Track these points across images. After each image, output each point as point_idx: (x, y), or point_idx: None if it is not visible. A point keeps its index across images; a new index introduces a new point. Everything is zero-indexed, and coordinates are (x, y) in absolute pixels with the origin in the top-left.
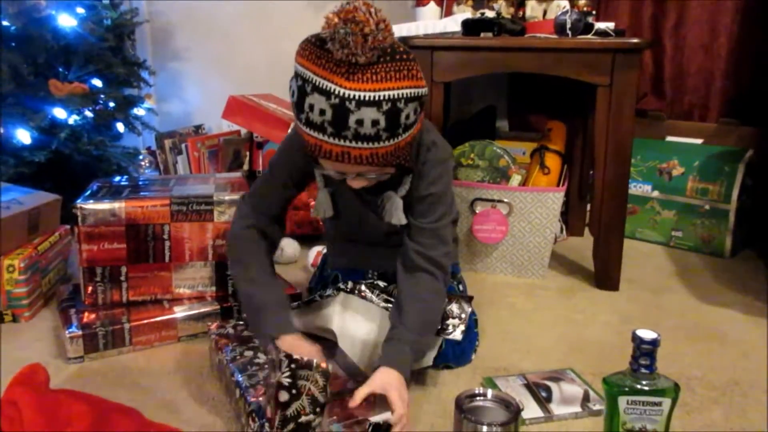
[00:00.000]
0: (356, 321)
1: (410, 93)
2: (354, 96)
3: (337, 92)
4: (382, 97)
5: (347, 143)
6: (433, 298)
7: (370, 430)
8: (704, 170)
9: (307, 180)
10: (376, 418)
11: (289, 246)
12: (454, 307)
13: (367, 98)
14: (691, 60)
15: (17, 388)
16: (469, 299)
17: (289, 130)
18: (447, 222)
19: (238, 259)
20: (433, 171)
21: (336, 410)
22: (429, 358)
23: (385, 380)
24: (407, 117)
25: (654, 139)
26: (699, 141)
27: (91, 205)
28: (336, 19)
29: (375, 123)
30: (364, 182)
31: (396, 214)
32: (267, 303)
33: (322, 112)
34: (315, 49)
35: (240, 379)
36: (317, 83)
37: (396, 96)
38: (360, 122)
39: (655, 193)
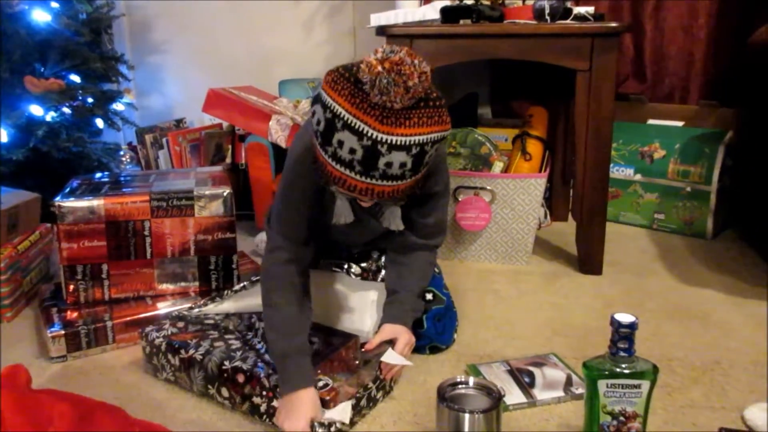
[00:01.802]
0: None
1: (438, 137)
2: (386, 140)
3: (370, 134)
4: (412, 142)
5: (373, 181)
6: (429, 268)
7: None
8: (685, 152)
9: (323, 194)
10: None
11: None
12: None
13: (398, 143)
14: (671, 42)
15: None
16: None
17: (294, 148)
18: (445, 213)
19: (269, 300)
20: (438, 168)
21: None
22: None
23: (395, 330)
24: (430, 156)
25: (635, 123)
26: (680, 123)
27: (70, 203)
28: (380, 67)
29: (402, 165)
30: (370, 203)
31: (395, 221)
32: (285, 353)
33: (352, 151)
34: (349, 85)
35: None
36: (349, 121)
37: (425, 140)
38: (389, 164)
39: (638, 177)
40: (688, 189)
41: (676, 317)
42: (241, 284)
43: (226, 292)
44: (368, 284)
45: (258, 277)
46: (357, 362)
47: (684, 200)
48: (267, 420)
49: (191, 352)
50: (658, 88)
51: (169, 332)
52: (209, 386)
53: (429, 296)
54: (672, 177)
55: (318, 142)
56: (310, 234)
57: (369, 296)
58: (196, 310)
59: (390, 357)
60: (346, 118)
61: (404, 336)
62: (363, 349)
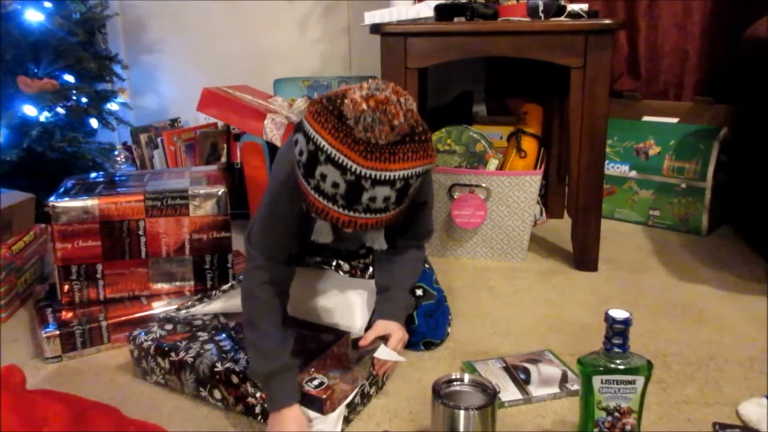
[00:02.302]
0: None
1: (422, 170)
2: (371, 175)
3: (353, 169)
4: (397, 177)
5: (356, 215)
6: (418, 263)
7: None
8: (680, 149)
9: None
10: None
11: None
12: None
13: (383, 178)
14: (666, 39)
15: None
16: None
17: (277, 170)
18: (431, 218)
19: (250, 321)
20: (425, 178)
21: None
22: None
23: (387, 327)
24: (415, 188)
25: (630, 120)
26: (674, 120)
27: (64, 203)
28: (364, 105)
29: (386, 199)
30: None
31: (378, 241)
32: (270, 374)
33: (335, 185)
34: (333, 119)
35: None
36: (333, 156)
37: (410, 174)
38: (373, 199)
39: (633, 173)
40: (683, 185)
41: (671, 313)
42: (229, 284)
43: (214, 292)
44: (357, 281)
45: (234, 283)
46: (350, 359)
47: (679, 196)
48: (262, 420)
49: (181, 354)
50: (652, 84)
51: (158, 335)
52: (201, 388)
53: (419, 292)
54: (667, 173)
55: (300, 173)
56: (292, 251)
57: (359, 293)
58: (184, 311)
59: (383, 353)
60: (329, 152)
61: (397, 332)
62: (357, 345)
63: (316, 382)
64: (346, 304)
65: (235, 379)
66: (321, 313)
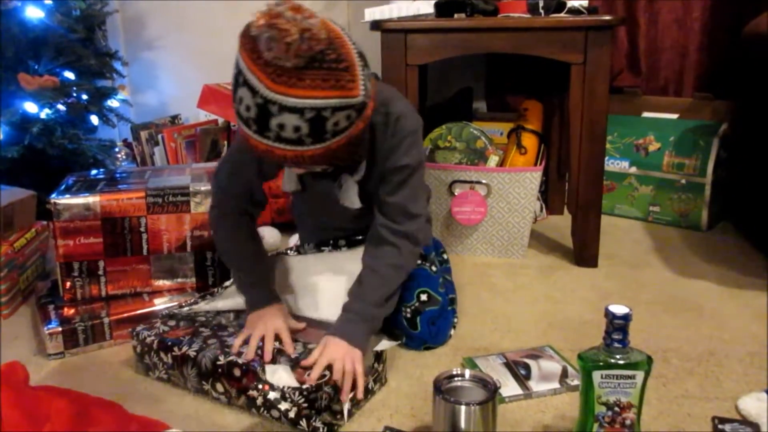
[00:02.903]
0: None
1: (338, 103)
2: (277, 100)
3: (262, 92)
4: (305, 105)
5: (270, 143)
6: (391, 273)
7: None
8: (680, 145)
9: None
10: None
11: (270, 235)
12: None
13: (289, 105)
14: (666, 35)
15: None
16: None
17: None
18: (421, 195)
19: (224, 249)
20: (404, 142)
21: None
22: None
23: (331, 354)
24: (336, 124)
25: (630, 116)
26: (674, 116)
27: (65, 200)
28: (261, 21)
29: (297, 129)
30: (302, 170)
31: (349, 197)
32: (252, 283)
33: (248, 108)
34: (251, 41)
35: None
36: (247, 78)
37: (321, 105)
38: (281, 126)
39: (633, 169)
40: (683, 181)
41: (671, 309)
42: (230, 280)
43: (216, 289)
44: (346, 259)
45: None
46: None
47: (679, 192)
48: (264, 412)
49: (184, 349)
50: (652, 80)
51: (161, 330)
52: (203, 382)
53: (424, 297)
54: (667, 169)
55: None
56: (259, 195)
57: (329, 278)
58: (186, 308)
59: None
60: (245, 74)
61: (339, 362)
62: (305, 378)
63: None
64: (311, 290)
65: (237, 372)
66: (292, 304)
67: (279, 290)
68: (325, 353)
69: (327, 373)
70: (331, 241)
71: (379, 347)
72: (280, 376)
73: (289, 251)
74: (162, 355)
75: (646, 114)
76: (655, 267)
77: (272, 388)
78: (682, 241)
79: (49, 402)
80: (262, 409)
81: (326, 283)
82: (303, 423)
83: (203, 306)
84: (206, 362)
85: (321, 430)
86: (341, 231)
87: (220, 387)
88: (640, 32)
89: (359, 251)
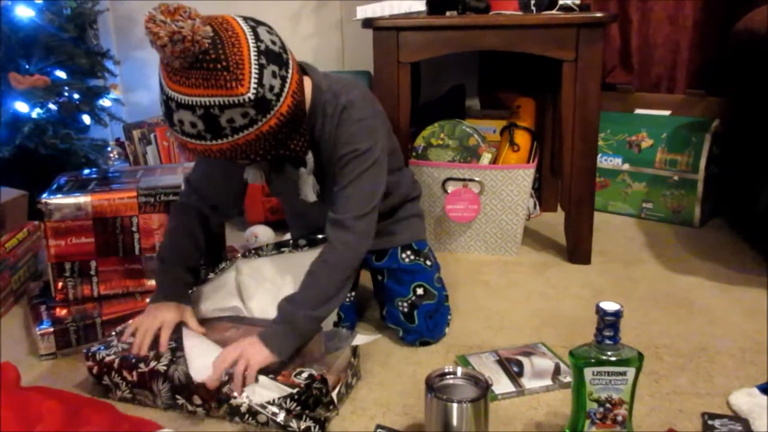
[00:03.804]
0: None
1: (222, 101)
2: (173, 97)
3: (164, 89)
4: (194, 103)
5: (180, 136)
6: (323, 272)
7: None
8: (672, 141)
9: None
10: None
11: (263, 233)
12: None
13: (182, 101)
14: (658, 32)
15: None
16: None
17: None
18: (364, 183)
19: (166, 234)
20: (349, 129)
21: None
22: (329, 323)
23: (230, 352)
24: (231, 121)
25: (623, 112)
26: (667, 113)
27: (56, 200)
28: (144, 24)
29: (193, 125)
30: (244, 162)
31: (304, 190)
32: (160, 273)
33: (161, 103)
34: None
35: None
36: (159, 75)
37: (207, 103)
38: (181, 122)
39: (626, 166)
40: (676, 178)
41: (663, 305)
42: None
43: None
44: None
45: (210, 276)
46: (324, 353)
47: (672, 189)
48: (249, 419)
49: (152, 364)
50: (645, 77)
51: (120, 348)
52: (177, 396)
53: (420, 291)
54: (659, 166)
55: None
56: (225, 195)
57: (252, 276)
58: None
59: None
60: (159, 71)
61: (241, 362)
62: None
63: (305, 375)
64: (258, 292)
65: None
66: (242, 307)
67: (230, 294)
68: (226, 351)
69: (313, 372)
70: (291, 242)
71: (355, 342)
72: (261, 393)
73: (247, 253)
74: (125, 373)
75: (638, 111)
76: (647, 263)
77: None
78: (675, 238)
79: (40, 403)
80: (246, 416)
81: (271, 285)
82: (293, 424)
83: None
84: (179, 375)
85: (312, 429)
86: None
87: (197, 399)
88: (632, 29)
89: (317, 251)
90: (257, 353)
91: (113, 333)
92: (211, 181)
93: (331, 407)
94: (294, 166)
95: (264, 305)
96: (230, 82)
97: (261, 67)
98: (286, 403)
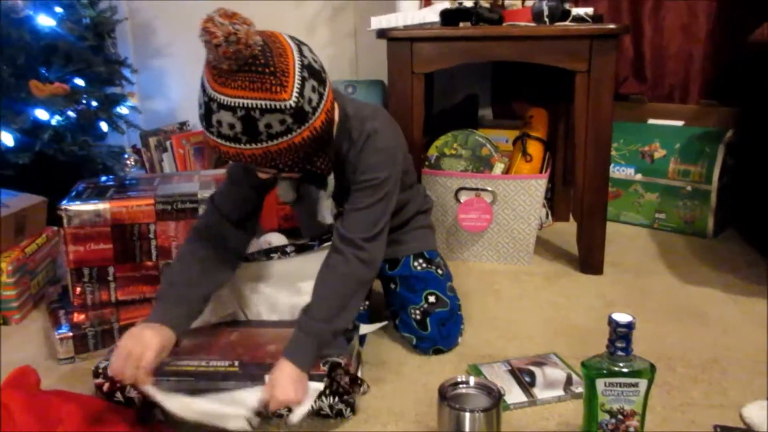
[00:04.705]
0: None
1: (265, 105)
2: (216, 98)
3: (207, 90)
4: (236, 104)
5: (215, 138)
6: (336, 283)
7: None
8: (685, 152)
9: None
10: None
11: (277, 240)
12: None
13: (224, 102)
14: (671, 42)
15: (8, 391)
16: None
17: None
18: (377, 209)
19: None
20: (371, 158)
21: None
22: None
23: (273, 377)
24: (268, 126)
25: (636, 123)
26: (680, 123)
27: (76, 207)
28: (200, 25)
29: (231, 126)
30: (265, 175)
31: (322, 212)
32: (160, 294)
33: (200, 105)
34: None
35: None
36: (202, 78)
37: (249, 105)
38: (220, 123)
39: (638, 176)
40: (689, 188)
41: (676, 316)
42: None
43: None
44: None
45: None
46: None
47: (685, 199)
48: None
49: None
50: (658, 87)
51: None
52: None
53: (432, 299)
54: (672, 176)
55: None
56: (245, 211)
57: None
58: None
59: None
60: (203, 74)
61: (277, 388)
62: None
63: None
64: (223, 293)
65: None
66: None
67: (227, 301)
68: (274, 393)
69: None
70: (279, 248)
71: (362, 330)
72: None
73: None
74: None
75: (651, 121)
76: (660, 274)
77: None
78: (688, 248)
79: (60, 406)
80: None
81: (266, 292)
82: (326, 408)
83: None
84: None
85: (344, 411)
86: None
87: None
88: (645, 39)
89: (305, 257)
90: (298, 383)
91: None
92: (239, 198)
93: (360, 382)
94: (316, 186)
95: (261, 312)
96: (275, 86)
97: (303, 80)
98: (320, 399)
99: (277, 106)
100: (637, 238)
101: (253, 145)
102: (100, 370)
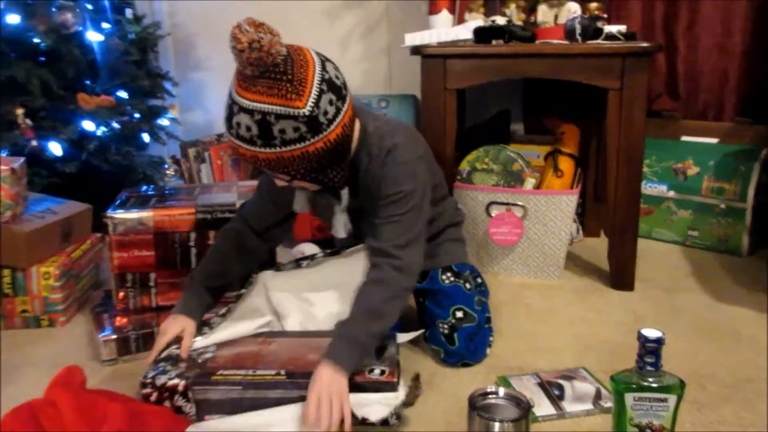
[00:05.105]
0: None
1: (280, 111)
2: (237, 101)
3: (231, 94)
4: (254, 108)
5: (234, 139)
6: (372, 290)
7: None
8: (720, 169)
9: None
10: None
11: (310, 251)
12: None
13: (243, 105)
14: (705, 59)
15: (56, 390)
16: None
17: None
18: (407, 220)
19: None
20: (394, 171)
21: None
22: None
23: (314, 379)
24: (282, 132)
25: (669, 140)
26: (714, 140)
27: (121, 215)
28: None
29: (248, 129)
30: (281, 182)
31: (336, 226)
32: (191, 283)
33: (225, 108)
34: None
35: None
36: (231, 81)
37: (265, 110)
38: (239, 125)
39: (671, 193)
40: (723, 206)
41: (708, 334)
42: (226, 308)
43: (212, 320)
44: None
45: (242, 291)
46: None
47: (718, 217)
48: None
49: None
50: (691, 104)
51: (173, 373)
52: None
53: (459, 314)
54: (706, 194)
55: None
56: (272, 223)
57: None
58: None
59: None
60: (232, 79)
61: (311, 394)
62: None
63: (377, 371)
64: (259, 304)
65: None
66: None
67: (264, 312)
68: (315, 403)
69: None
70: (308, 257)
71: (399, 339)
72: (377, 409)
73: (272, 269)
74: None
75: (684, 138)
76: (692, 291)
77: None
78: (721, 267)
79: (104, 405)
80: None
81: (301, 301)
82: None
83: (200, 342)
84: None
85: (401, 415)
86: None
87: None
88: (679, 56)
89: (338, 267)
90: (337, 383)
91: (161, 358)
92: (263, 211)
93: (417, 393)
94: (334, 197)
95: (297, 321)
96: (290, 94)
97: (321, 92)
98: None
99: (291, 113)
100: (669, 255)
101: (267, 149)
102: (148, 381)
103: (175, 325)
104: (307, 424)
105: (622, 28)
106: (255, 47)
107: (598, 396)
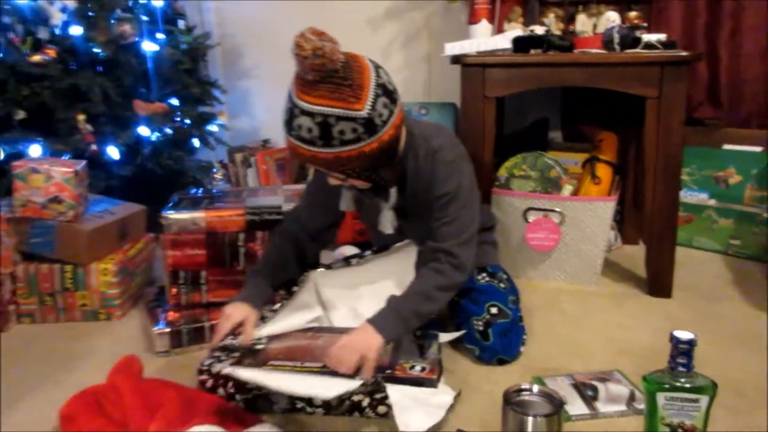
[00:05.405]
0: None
1: (340, 113)
2: (298, 104)
3: (292, 98)
4: (316, 111)
5: (294, 141)
6: (428, 275)
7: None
8: (763, 178)
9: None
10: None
11: (349, 252)
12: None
13: (305, 109)
14: (748, 67)
15: (117, 376)
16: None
17: None
18: (462, 217)
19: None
20: (441, 171)
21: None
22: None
23: (352, 332)
24: (341, 133)
25: (710, 148)
26: (758, 149)
27: (175, 215)
28: (294, 41)
29: (309, 130)
30: (336, 181)
31: (383, 222)
32: (253, 274)
33: (285, 111)
34: None
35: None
36: (289, 88)
37: (326, 112)
38: (300, 127)
39: (712, 202)
40: (766, 215)
41: (746, 342)
42: (278, 304)
43: (265, 314)
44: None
45: (294, 288)
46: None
47: (761, 226)
48: (369, 412)
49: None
50: (734, 113)
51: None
52: (297, 401)
53: (494, 310)
54: (748, 202)
55: None
56: (322, 224)
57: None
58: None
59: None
60: (290, 85)
61: (349, 335)
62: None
63: (418, 368)
64: (309, 300)
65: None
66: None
67: (313, 307)
68: (342, 349)
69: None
70: (357, 255)
71: (442, 339)
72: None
73: (323, 267)
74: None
75: (726, 146)
76: (732, 300)
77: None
78: (763, 276)
79: (161, 391)
80: (367, 409)
81: (350, 296)
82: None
83: (254, 334)
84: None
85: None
86: None
87: (317, 400)
88: (721, 64)
89: (384, 264)
90: (369, 339)
91: (219, 347)
92: (313, 213)
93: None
94: (379, 197)
95: (344, 316)
96: (350, 98)
97: (377, 96)
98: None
99: (351, 116)
100: (709, 264)
101: (327, 150)
102: (204, 368)
103: (239, 311)
104: (330, 363)
105: (662, 36)
106: (318, 54)
107: (632, 398)
